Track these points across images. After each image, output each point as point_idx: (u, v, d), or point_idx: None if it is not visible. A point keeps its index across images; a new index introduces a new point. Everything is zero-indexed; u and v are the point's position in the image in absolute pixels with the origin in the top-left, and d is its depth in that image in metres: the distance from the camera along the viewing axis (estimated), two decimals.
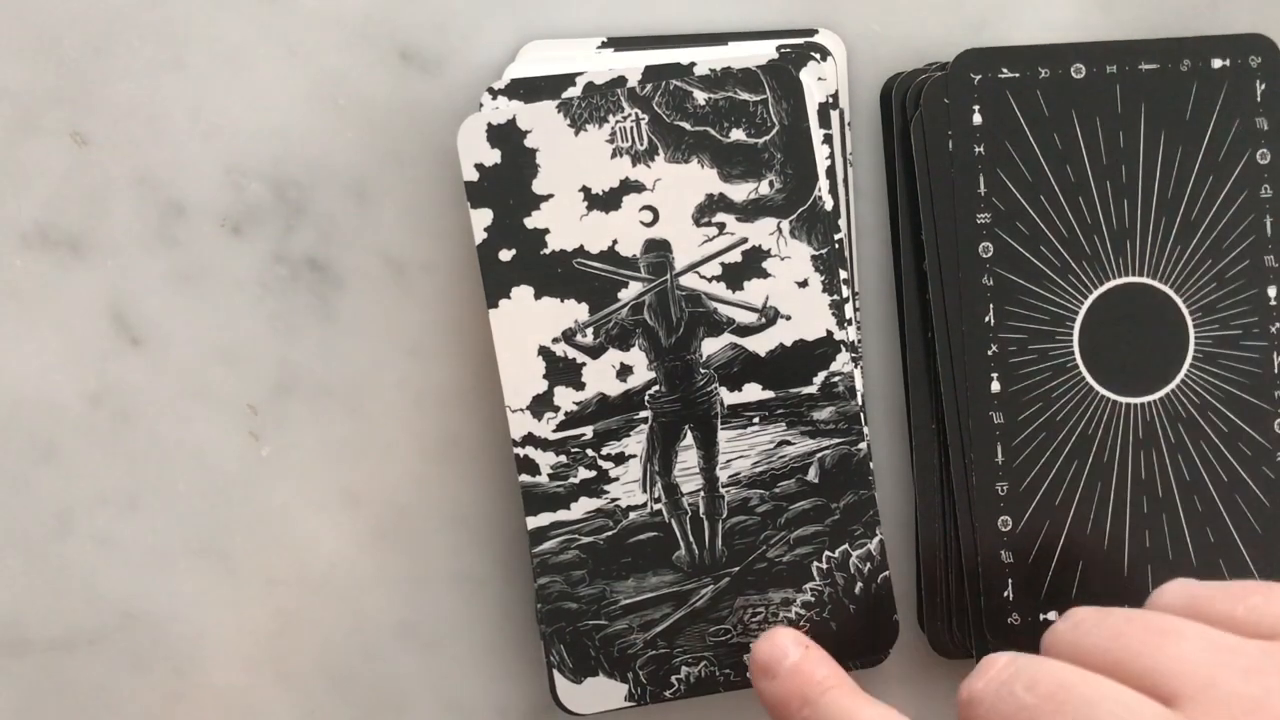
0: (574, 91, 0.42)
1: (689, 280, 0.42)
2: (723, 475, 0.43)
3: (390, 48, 0.44)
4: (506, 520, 0.45)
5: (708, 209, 0.42)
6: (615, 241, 0.42)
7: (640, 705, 0.44)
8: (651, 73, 0.42)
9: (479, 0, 0.44)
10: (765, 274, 0.42)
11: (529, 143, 0.42)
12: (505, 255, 0.42)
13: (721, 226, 0.42)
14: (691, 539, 0.43)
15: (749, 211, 0.42)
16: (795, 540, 0.43)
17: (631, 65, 0.43)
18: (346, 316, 0.45)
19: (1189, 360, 0.45)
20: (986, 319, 0.44)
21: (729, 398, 0.43)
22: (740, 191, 0.42)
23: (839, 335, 0.43)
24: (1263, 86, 0.45)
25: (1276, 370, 0.45)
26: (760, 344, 0.43)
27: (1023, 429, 0.44)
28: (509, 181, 0.42)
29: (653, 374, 0.43)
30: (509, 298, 0.42)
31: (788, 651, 0.39)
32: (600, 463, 0.43)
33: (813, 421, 0.43)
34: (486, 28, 0.44)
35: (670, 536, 0.43)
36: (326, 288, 0.45)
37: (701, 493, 0.43)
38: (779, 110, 0.42)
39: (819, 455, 0.43)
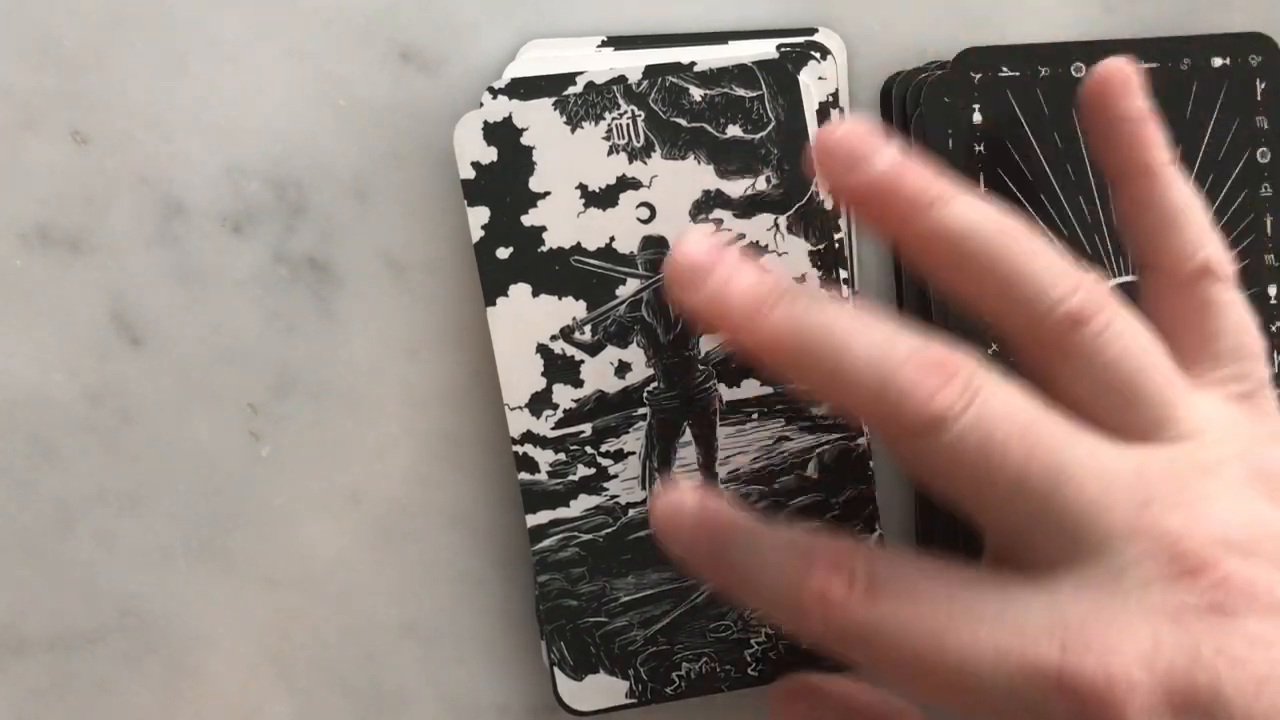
0: (574, 90, 0.42)
1: None
2: (722, 471, 0.43)
3: (390, 48, 0.44)
4: (506, 519, 0.45)
5: (705, 205, 0.42)
6: (612, 238, 0.42)
7: (641, 702, 0.44)
8: (651, 72, 0.42)
9: (479, 0, 0.44)
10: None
11: (525, 140, 0.42)
12: (503, 253, 0.42)
13: (719, 223, 0.42)
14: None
15: (746, 208, 0.42)
16: None
17: (631, 64, 0.43)
18: (346, 316, 0.45)
19: None
20: None
21: (728, 394, 0.43)
22: (737, 188, 0.42)
23: None
24: (1263, 86, 0.45)
25: (1276, 369, 0.45)
26: None
27: None
28: (506, 179, 0.42)
29: (651, 371, 0.43)
30: (506, 296, 0.42)
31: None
32: (599, 460, 0.43)
33: (811, 417, 0.43)
34: (486, 28, 0.44)
35: None
36: (326, 288, 0.45)
37: None
38: (775, 106, 0.42)
39: (818, 451, 0.43)
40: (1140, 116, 0.39)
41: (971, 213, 0.35)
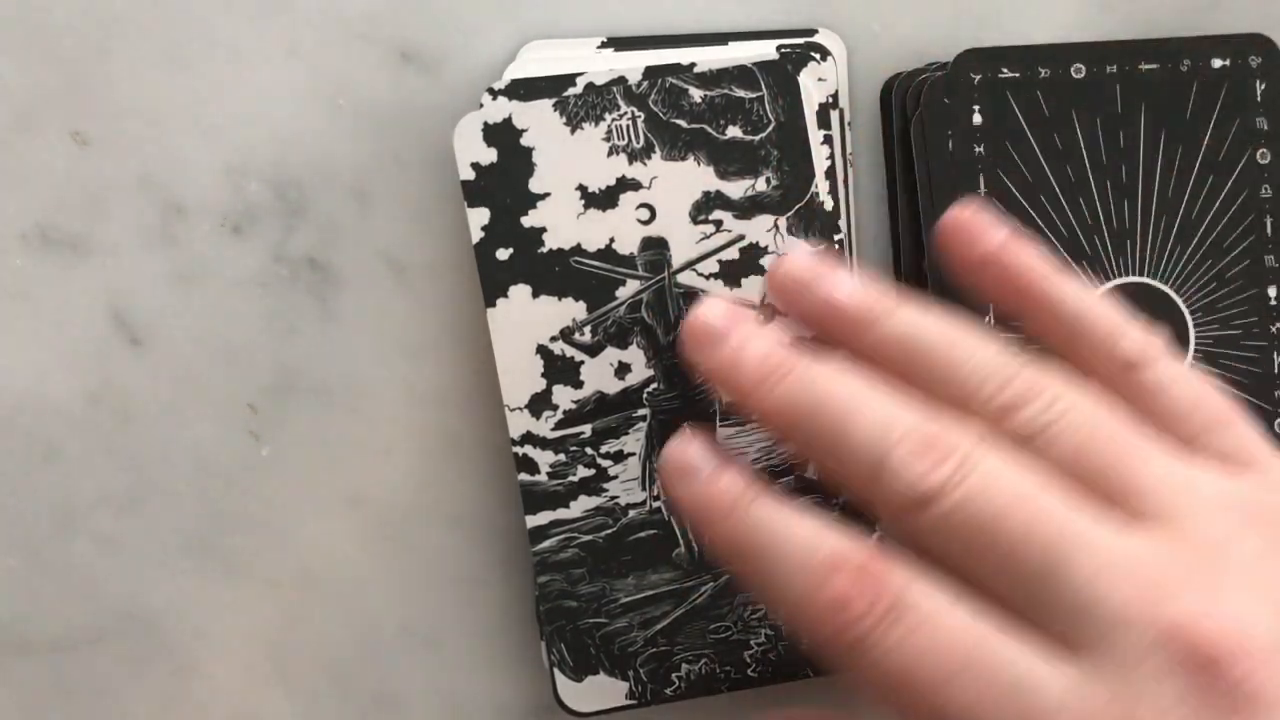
0: (574, 91, 0.42)
1: (687, 278, 0.42)
2: None
3: (390, 48, 0.44)
4: (506, 519, 0.45)
5: (705, 206, 0.42)
6: (612, 240, 0.42)
7: (641, 703, 0.44)
8: (651, 73, 0.42)
9: (479, 0, 0.44)
10: (763, 271, 0.42)
11: (525, 141, 0.42)
12: (502, 254, 0.42)
13: (719, 224, 0.42)
14: (691, 536, 0.43)
15: (746, 209, 0.42)
16: None
17: (631, 65, 0.43)
18: (346, 316, 0.45)
19: (1189, 360, 0.45)
20: (987, 319, 0.44)
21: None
22: (737, 189, 0.42)
23: None
24: (1263, 86, 0.45)
25: (1276, 370, 0.45)
26: None
27: None
28: (506, 180, 0.42)
29: (651, 372, 0.43)
30: (506, 297, 0.42)
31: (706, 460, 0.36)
32: (599, 461, 0.43)
33: None
34: (486, 28, 0.44)
35: (669, 534, 0.43)
36: (326, 288, 0.45)
37: None
38: (775, 107, 0.42)
39: None
40: (1000, 250, 0.37)
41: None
